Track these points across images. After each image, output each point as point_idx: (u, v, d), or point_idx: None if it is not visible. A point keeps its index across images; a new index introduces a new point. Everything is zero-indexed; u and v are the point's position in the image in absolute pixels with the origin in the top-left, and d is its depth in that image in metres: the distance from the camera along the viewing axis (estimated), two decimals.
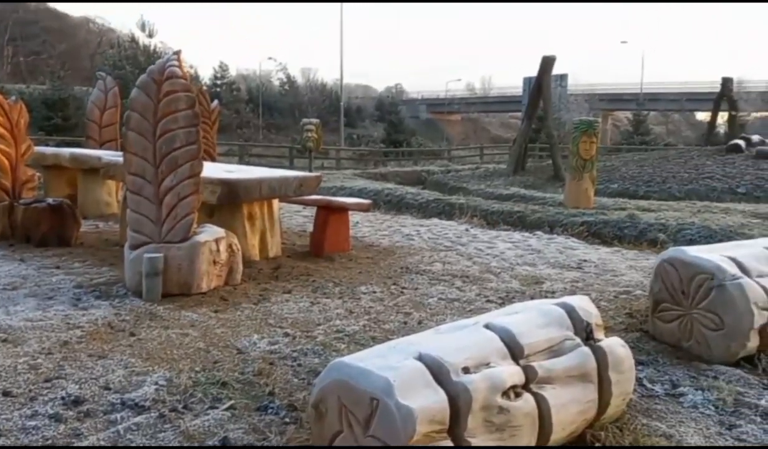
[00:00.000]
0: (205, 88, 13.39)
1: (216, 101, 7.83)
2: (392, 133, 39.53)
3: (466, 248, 6.23)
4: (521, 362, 2.32)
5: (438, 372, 2.07)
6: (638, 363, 3.20)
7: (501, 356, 2.28)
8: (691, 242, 7.23)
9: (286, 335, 3.46)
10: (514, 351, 2.32)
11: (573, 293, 4.53)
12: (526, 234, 7.36)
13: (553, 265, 5.51)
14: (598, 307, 4.18)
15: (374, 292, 4.46)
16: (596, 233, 7.92)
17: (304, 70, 63.83)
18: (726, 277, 3.20)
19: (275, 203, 5.59)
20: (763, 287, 3.24)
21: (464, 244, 6.45)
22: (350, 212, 6.16)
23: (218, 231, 4.41)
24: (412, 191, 12.72)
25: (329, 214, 5.70)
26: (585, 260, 5.73)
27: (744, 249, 3.55)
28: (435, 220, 8.47)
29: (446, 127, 60.09)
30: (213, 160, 7.28)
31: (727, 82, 22.73)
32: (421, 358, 2.10)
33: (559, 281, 4.88)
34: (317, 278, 4.78)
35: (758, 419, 2.67)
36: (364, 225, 7.64)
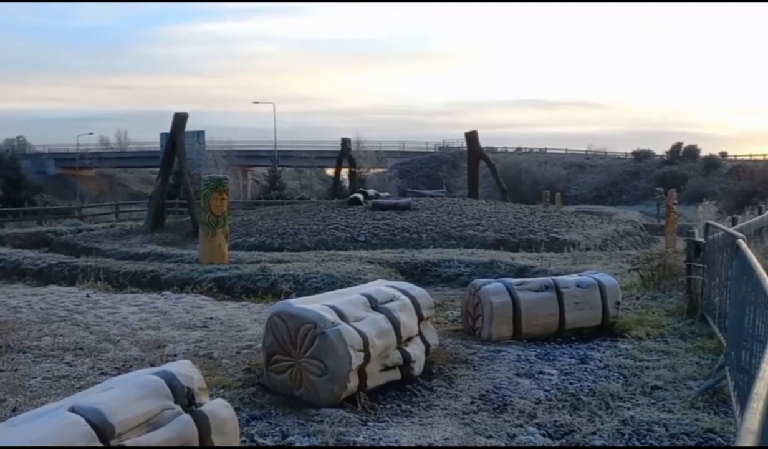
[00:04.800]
0: None
1: None
2: (11, 190, 35.11)
3: (84, 316, 5.71)
4: (113, 442, 2.15)
5: None
6: (252, 418, 3.24)
7: (88, 440, 2.08)
8: (317, 289, 7.74)
9: None
10: (104, 431, 2.14)
11: (196, 354, 4.45)
12: (155, 296, 7.07)
13: (179, 326, 5.36)
14: (220, 365, 4.18)
15: None
16: (228, 289, 8.00)
17: None
18: (326, 325, 3.44)
19: None
20: (359, 331, 3.56)
21: (82, 312, 5.91)
22: None
23: None
24: (32, 255, 11.41)
25: None
26: (211, 318, 5.70)
27: (343, 298, 3.89)
28: (53, 287, 7.66)
29: (79, 183, 55.65)
30: None
31: (346, 142, 25.43)
32: None
33: (182, 343, 4.75)
34: None
35: None
36: None
